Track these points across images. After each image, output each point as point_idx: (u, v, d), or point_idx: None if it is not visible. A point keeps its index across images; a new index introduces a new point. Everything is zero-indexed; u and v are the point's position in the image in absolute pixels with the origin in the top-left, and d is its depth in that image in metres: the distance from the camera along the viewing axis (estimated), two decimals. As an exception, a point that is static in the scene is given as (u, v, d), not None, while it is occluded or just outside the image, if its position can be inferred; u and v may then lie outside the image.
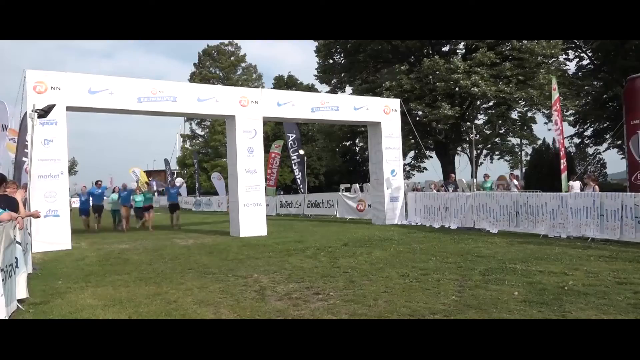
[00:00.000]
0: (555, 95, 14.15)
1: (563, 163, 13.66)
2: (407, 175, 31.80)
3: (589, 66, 30.47)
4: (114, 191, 18.11)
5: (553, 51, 24.47)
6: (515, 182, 18.45)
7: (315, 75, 33.72)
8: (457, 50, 28.31)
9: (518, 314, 4.83)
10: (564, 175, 13.51)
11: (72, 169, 56.60)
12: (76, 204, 19.38)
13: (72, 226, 12.45)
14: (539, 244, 9.81)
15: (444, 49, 28.52)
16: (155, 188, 45.89)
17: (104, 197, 18.14)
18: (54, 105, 10.39)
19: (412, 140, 25.37)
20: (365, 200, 18.51)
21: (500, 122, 29.55)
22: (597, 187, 12.16)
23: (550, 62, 26.11)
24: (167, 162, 44.31)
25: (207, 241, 12.46)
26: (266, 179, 21.92)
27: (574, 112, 29.16)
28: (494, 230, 12.25)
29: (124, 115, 14.46)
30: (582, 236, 10.24)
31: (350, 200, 19.57)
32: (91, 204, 17.04)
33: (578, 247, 9.20)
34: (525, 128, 30.29)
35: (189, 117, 41.55)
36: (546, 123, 31.14)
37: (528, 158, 32.24)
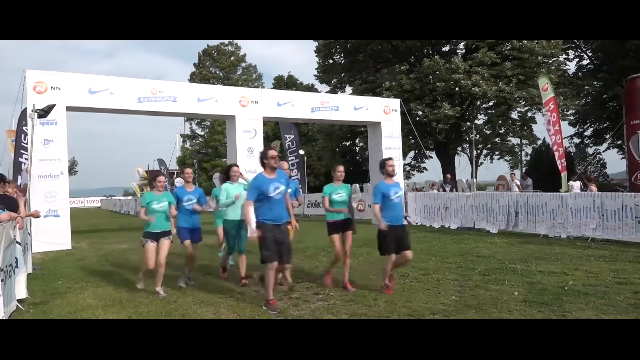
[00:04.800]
0: (548, 95, 14.12)
1: (562, 163, 13.65)
2: (407, 176, 31.78)
3: (589, 66, 30.49)
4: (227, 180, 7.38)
5: (553, 51, 24.50)
6: (517, 182, 18.44)
7: (315, 75, 33.75)
8: (457, 50, 28.31)
9: (518, 314, 4.83)
10: (563, 175, 13.50)
11: (72, 169, 56.63)
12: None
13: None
14: (539, 244, 9.81)
15: (444, 49, 28.52)
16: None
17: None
18: (54, 105, 10.39)
19: (412, 140, 25.36)
20: (365, 200, 18.50)
21: (500, 122, 29.56)
22: (594, 187, 12.16)
23: (550, 62, 26.13)
24: (162, 162, 43.88)
25: (208, 241, 12.44)
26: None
27: (574, 112, 29.17)
28: (494, 230, 12.24)
29: (124, 115, 14.46)
30: (582, 236, 10.23)
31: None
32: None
33: (578, 247, 9.19)
34: (525, 128, 30.31)
35: (189, 117, 41.51)
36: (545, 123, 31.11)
37: (528, 158, 32.26)
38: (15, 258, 5.65)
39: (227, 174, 7.14)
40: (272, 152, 5.54)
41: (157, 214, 6.29)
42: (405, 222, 6.17)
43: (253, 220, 5.32)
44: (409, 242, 6.05)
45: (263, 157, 5.57)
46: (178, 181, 40.99)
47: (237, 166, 7.38)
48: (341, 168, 6.61)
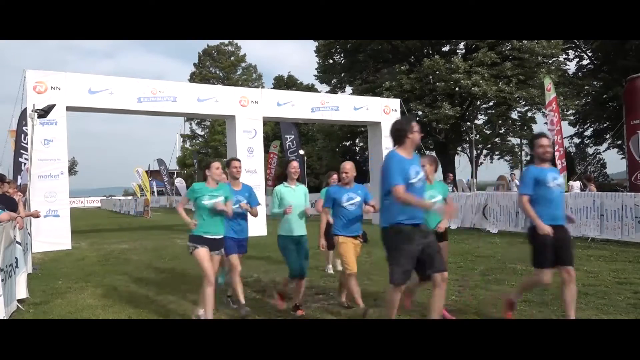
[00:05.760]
0: (551, 95, 14.13)
1: (562, 163, 13.65)
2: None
3: (589, 66, 30.50)
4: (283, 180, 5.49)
5: (553, 51, 24.51)
6: (517, 182, 18.44)
7: (315, 75, 33.76)
8: (457, 50, 28.32)
9: (518, 314, 4.83)
10: (562, 175, 13.50)
11: (72, 169, 56.62)
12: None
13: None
14: (539, 244, 9.79)
15: (444, 49, 28.53)
16: (155, 189, 45.51)
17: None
18: (54, 105, 10.40)
19: (412, 140, 25.33)
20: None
21: (500, 122, 29.57)
22: (593, 187, 12.17)
23: (550, 62, 26.14)
24: (162, 162, 43.84)
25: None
26: (265, 179, 21.92)
27: (574, 112, 29.19)
28: (494, 230, 12.24)
29: (124, 115, 14.47)
30: (582, 236, 10.23)
31: (351, 200, 19.47)
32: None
33: (578, 247, 9.17)
34: (525, 128, 30.32)
35: (189, 117, 41.51)
36: (546, 123, 31.04)
37: (528, 158, 32.27)
38: (16, 258, 5.66)
39: (284, 173, 5.32)
40: (417, 126, 3.80)
41: (209, 214, 4.62)
42: (567, 222, 4.38)
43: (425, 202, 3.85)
44: (572, 253, 4.30)
45: (405, 129, 3.75)
46: (178, 181, 40.98)
47: (297, 161, 5.55)
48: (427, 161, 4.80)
